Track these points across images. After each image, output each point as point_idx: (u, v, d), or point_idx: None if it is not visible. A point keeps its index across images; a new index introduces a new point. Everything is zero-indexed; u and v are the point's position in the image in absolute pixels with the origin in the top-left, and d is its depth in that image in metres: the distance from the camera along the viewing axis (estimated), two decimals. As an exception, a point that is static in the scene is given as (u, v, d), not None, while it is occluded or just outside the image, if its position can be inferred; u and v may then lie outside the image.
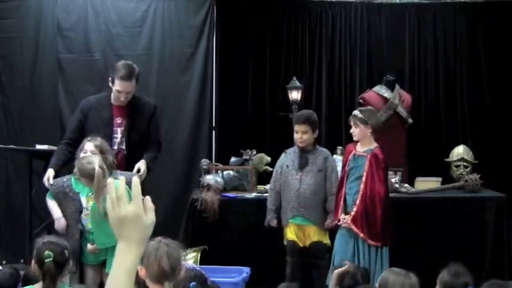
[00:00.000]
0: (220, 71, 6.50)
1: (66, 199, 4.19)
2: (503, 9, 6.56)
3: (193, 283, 2.76)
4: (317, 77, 6.61)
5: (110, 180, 1.50)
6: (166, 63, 6.36)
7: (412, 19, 6.65)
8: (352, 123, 4.69)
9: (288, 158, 4.91)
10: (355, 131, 4.68)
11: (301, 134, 4.77)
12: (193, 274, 2.85)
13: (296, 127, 4.82)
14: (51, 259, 2.97)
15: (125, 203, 1.46)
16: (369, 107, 5.04)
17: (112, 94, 4.66)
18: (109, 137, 4.53)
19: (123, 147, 4.65)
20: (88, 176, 3.88)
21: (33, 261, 3.08)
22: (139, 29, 6.33)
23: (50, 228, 5.10)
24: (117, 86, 4.56)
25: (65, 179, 4.27)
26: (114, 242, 3.97)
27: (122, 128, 4.66)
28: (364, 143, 4.69)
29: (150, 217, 1.49)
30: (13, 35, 6.24)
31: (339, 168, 5.25)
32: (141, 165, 4.56)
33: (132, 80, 4.60)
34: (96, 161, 3.89)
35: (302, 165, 4.81)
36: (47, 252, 2.98)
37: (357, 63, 6.63)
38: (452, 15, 6.66)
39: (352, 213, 4.58)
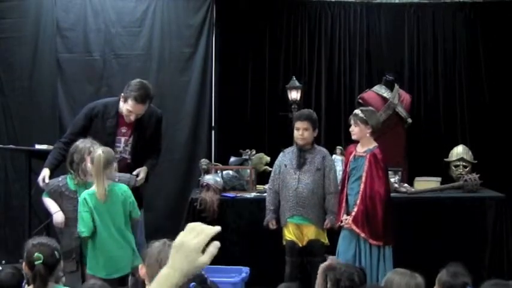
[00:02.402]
0: (220, 70, 6.50)
1: (63, 198, 4.20)
2: (502, 9, 6.56)
3: (192, 284, 2.76)
4: (316, 77, 6.61)
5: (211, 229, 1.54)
6: (166, 63, 6.36)
7: (411, 19, 6.66)
8: (352, 121, 4.70)
9: (286, 157, 4.91)
10: (354, 130, 4.69)
11: (303, 131, 4.77)
12: (192, 274, 2.84)
13: (297, 124, 4.82)
14: (41, 261, 2.95)
15: (192, 235, 1.50)
16: (370, 108, 5.04)
17: (120, 103, 4.58)
18: (111, 146, 4.49)
19: (126, 155, 4.61)
20: (92, 159, 3.99)
21: (23, 263, 3.06)
22: (139, 28, 6.33)
23: (49, 228, 5.11)
24: (129, 106, 4.47)
25: (60, 179, 4.28)
26: (88, 232, 3.93)
27: (126, 138, 4.61)
28: (364, 143, 4.70)
29: (204, 259, 1.49)
30: (12, 35, 6.24)
31: (339, 168, 5.26)
32: (142, 172, 4.55)
33: (146, 103, 4.52)
34: (101, 149, 4.02)
35: (300, 164, 4.81)
36: (36, 254, 2.95)
37: (356, 63, 6.63)
38: (452, 15, 6.67)
39: (353, 214, 4.59)
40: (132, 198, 4.16)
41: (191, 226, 1.52)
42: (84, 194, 4.01)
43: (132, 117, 4.53)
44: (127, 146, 4.62)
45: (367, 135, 4.66)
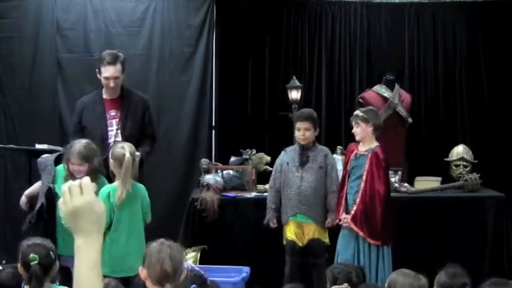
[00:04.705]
0: (220, 70, 6.50)
1: (44, 171, 4.28)
2: (502, 8, 6.55)
3: (193, 286, 2.76)
4: (317, 77, 6.60)
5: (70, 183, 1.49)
6: (166, 63, 6.35)
7: (411, 18, 6.65)
8: (353, 123, 4.71)
9: (288, 155, 4.91)
10: (356, 131, 4.71)
11: (304, 131, 4.78)
12: (192, 275, 2.85)
13: (298, 124, 4.83)
14: (37, 261, 2.94)
15: (77, 195, 1.44)
16: (371, 107, 5.05)
17: (103, 89, 4.74)
18: (104, 130, 4.59)
19: (119, 139, 4.66)
20: (117, 160, 3.97)
21: (19, 265, 3.05)
22: (139, 28, 6.32)
23: (47, 226, 5.09)
24: (104, 72, 4.66)
25: (54, 155, 4.38)
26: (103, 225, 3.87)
27: (117, 120, 4.71)
28: (365, 142, 4.71)
29: (101, 206, 1.48)
30: (12, 34, 6.23)
31: (339, 168, 5.26)
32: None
33: (117, 64, 4.68)
34: (127, 149, 3.99)
35: (303, 162, 4.81)
36: (32, 255, 2.94)
37: (357, 62, 6.63)
38: (452, 15, 6.66)
39: (352, 212, 4.60)
40: (148, 200, 4.17)
41: (65, 191, 1.45)
42: (108, 188, 4.02)
43: (112, 84, 4.66)
44: (118, 129, 4.69)
45: (370, 133, 4.67)
